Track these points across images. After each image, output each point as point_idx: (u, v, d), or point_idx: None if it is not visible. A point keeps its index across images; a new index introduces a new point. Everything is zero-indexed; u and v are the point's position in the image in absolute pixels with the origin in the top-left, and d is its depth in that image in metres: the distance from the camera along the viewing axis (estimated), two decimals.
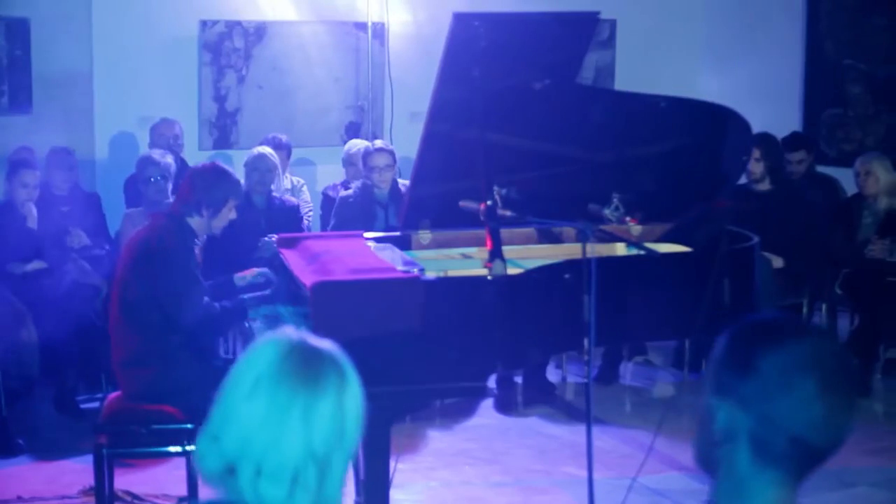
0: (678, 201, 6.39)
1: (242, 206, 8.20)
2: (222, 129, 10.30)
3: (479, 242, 6.48)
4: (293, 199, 8.94)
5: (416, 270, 5.55)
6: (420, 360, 5.25)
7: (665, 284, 5.83)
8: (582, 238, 5.52)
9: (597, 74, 11.45)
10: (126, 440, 5.71)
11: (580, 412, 8.04)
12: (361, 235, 6.57)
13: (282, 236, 6.78)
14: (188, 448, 5.71)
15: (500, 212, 5.65)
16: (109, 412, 5.87)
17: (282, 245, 6.44)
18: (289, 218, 8.62)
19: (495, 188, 5.68)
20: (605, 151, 6.27)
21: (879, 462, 7.11)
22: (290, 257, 6.12)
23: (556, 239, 6.67)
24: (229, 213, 6.14)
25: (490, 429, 7.61)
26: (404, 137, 10.15)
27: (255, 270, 6.44)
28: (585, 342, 5.43)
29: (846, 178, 9.83)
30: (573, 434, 7.61)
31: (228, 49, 10.28)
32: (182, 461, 6.37)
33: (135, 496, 6.42)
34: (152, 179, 8.30)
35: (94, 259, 8.50)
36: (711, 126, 6.28)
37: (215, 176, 6.13)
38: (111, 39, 9.95)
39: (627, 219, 6.33)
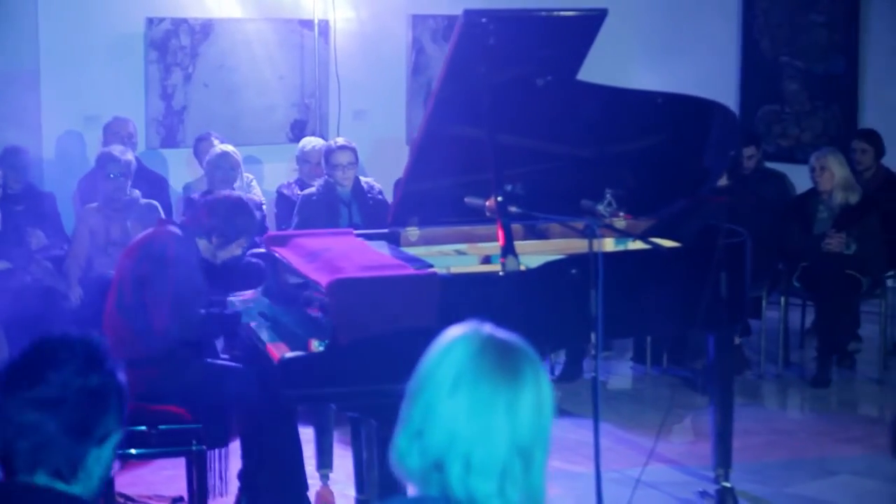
0: (669, 196, 6.48)
1: None
2: (169, 128, 10.20)
3: (468, 239, 6.54)
4: (255, 197, 8.90)
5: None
6: None
7: (667, 279, 5.92)
8: (589, 234, 5.59)
9: None
10: (134, 441, 5.64)
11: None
12: (351, 233, 6.57)
13: (270, 234, 6.77)
14: (196, 448, 5.69)
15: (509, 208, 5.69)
16: None
17: (272, 243, 6.42)
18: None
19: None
20: (600, 147, 6.34)
21: (856, 450, 7.27)
22: (287, 255, 6.10)
23: (542, 235, 6.72)
24: (236, 249, 6.12)
25: None
26: (349, 135, 10.12)
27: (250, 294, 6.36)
28: (592, 336, 5.50)
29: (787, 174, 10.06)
30: None
31: (175, 47, 10.18)
32: (169, 461, 6.35)
33: (128, 497, 6.35)
34: (112, 176, 8.17)
35: (54, 259, 8.40)
36: (703, 121, 6.37)
37: (238, 210, 6.11)
38: (57, 37, 9.79)
39: (621, 214, 6.40)
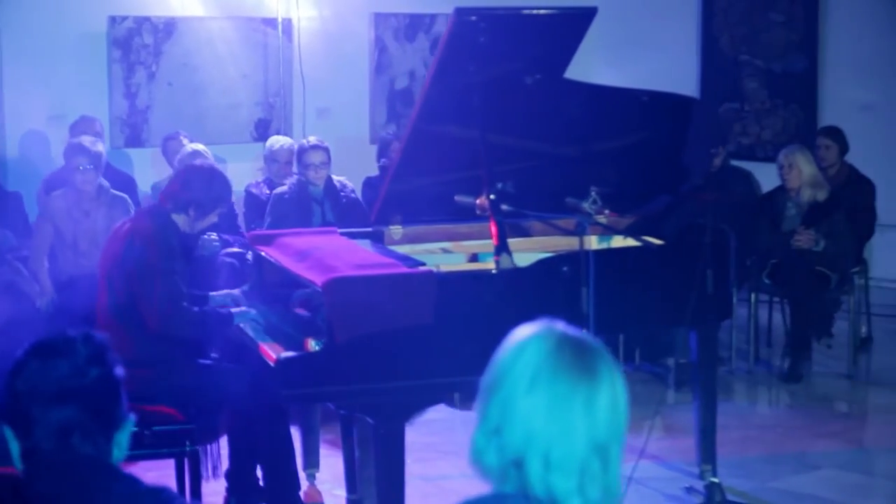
0: (653, 193, 6.51)
1: None
2: (133, 127, 10.13)
3: (450, 237, 6.54)
4: None
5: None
6: (434, 354, 5.27)
7: (656, 276, 5.95)
8: (580, 231, 5.62)
9: None
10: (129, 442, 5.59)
11: None
12: (336, 231, 6.55)
13: (254, 233, 6.74)
14: (190, 449, 5.66)
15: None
16: None
17: (257, 242, 6.40)
18: (224, 215, 8.52)
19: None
20: (585, 145, 6.35)
21: (836, 445, 7.34)
22: (275, 255, 6.07)
23: (524, 232, 6.73)
24: (214, 217, 6.06)
25: (445, 423, 7.58)
26: (312, 134, 10.10)
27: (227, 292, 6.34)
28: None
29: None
30: None
31: (138, 45, 10.11)
32: (154, 462, 6.29)
33: None
34: (81, 168, 7.88)
35: (23, 260, 8.29)
36: (686, 118, 6.41)
37: (211, 178, 6.02)
38: (20, 36, 9.71)
39: (606, 212, 6.42)
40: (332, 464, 6.62)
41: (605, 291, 5.54)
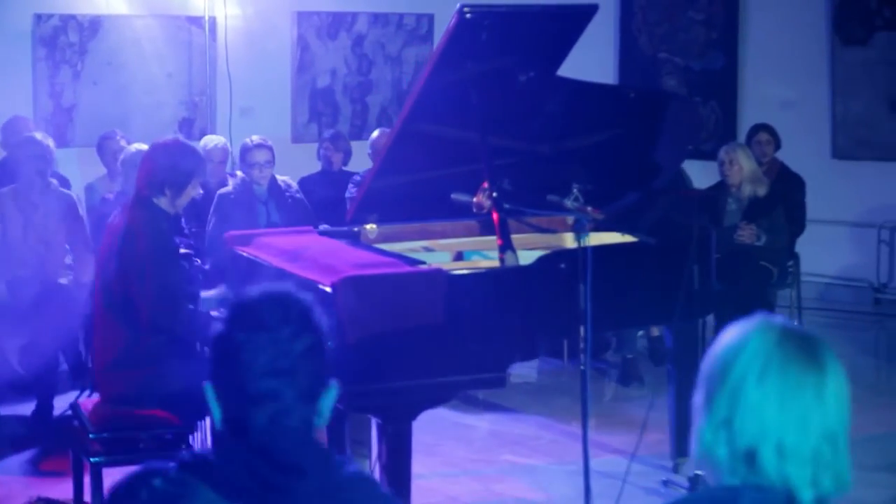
0: (633, 189, 6.56)
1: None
2: (58, 127, 9.91)
3: (424, 235, 6.53)
4: None
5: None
6: (443, 352, 5.27)
7: (647, 272, 6.01)
8: (578, 228, 5.65)
9: (416, 69, 11.53)
10: (123, 448, 5.48)
11: (480, 402, 8.11)
12: (313, 231, 6.49)
13: (232, 234, 6.62)
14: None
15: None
16: (97, 419, 5.60)
17: (236, 243, 6.32)
18: None
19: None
20: (571, 141, 6.39)
21: None
22: (260, 255, 6.02)
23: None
24: (193, 191, 5.87)
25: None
26: (236, 133, 10.03)
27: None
28: (581, 329, 5.57)
29: None
30: (488, 423, 7.74)
31: (63, 44, 9.91)
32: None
33: None
34: (34, 159, 7.77)
35: None
36: (668, 114, 6.47)
37: (178, 153, 5.80)
38: None
39: (588, 208, 6.44)
40: None
41: (600, 288, 5.58)
